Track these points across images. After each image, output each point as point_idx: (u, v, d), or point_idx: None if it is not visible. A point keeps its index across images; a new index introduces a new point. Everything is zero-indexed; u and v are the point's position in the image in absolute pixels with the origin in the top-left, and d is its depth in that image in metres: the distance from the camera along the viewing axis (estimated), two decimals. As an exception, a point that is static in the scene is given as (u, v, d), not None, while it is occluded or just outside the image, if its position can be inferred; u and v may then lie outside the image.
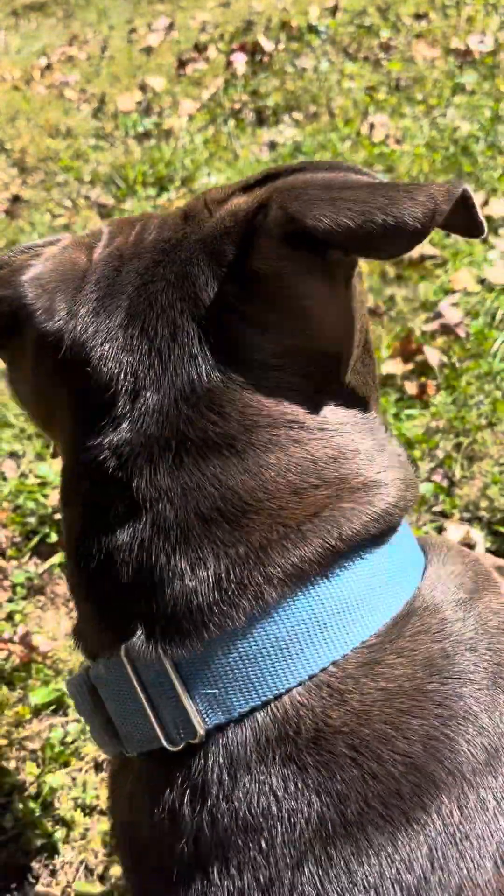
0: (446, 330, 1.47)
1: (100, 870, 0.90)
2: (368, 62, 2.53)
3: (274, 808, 0.39)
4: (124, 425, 0.45)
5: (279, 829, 0.39)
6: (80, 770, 0.99)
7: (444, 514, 1.22)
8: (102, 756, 0.99)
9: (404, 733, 0.40)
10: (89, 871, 0.90)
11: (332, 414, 0.47)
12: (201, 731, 0.41)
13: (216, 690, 0.41)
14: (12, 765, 0.99)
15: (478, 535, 1.15)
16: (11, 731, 1.03)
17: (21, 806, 0.95)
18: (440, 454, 1.30)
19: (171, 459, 0.44)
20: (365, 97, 2.35)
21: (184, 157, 2.36)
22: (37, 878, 0.89)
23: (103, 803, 0.94)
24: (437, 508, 1.23)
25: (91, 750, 1.00)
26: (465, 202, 0.43)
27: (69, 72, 3.00)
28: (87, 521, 0.46)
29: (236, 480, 0.43)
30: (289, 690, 0.41)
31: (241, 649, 0.41)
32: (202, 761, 0.41)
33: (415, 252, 1.76)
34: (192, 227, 0.50)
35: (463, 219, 0.44)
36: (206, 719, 0.41)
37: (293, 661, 0.41)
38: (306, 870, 0.38)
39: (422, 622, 0.44)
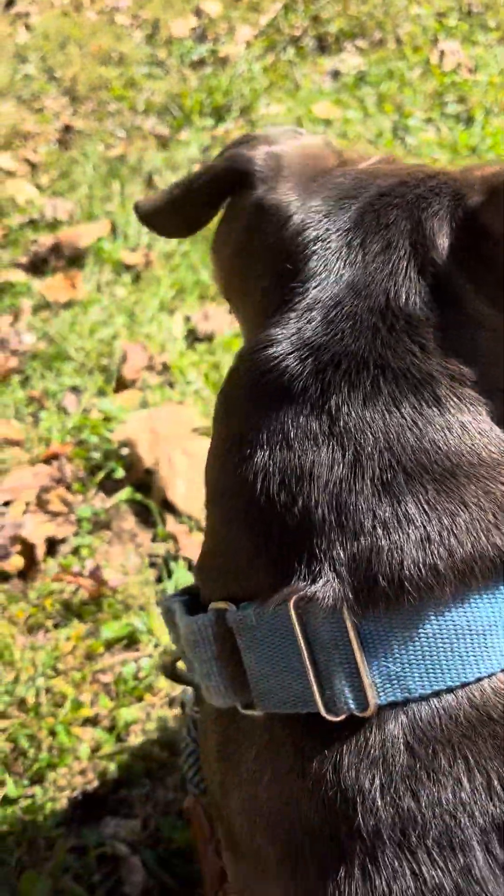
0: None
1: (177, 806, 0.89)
2: (437, -14, 2.39)
3: (483, 793, 0.35)
4: (317, 325, 0.42)
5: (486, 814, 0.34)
6: (154, 706, 0.97)
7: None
8: (177, 690, 0.98)
9: None
10: (167, 804, 0.89)
11: None
12: (373, 707, 0.37)
13: (399, 667, 0.37)
14: (86, 697, 0.98)
15: None
16: (84, 663, 1.02)
17: (97, 737, 0.94)
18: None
19: (369, 384, 0.40)
20: (434, 23, 2.23)
21: (242, 86, 2.27)
22: (114, 812, 0.89)
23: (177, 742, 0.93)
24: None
25: (165, 685, 0.99)
26: None
27: (119, -4, 2.88)
28: (260, 430, 0.41)
29: (441, 435, 0.39)
30: (490, 676, 0.37)
31: (440, 626, 0.37)
32: (379, 735, 0.37)
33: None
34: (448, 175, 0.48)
35: None
36: (381, 694, 0.37)
37: (493, 649, 0.37)
38: None
39: None
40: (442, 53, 2.12)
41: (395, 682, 0.37)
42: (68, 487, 1.25)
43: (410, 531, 0.37)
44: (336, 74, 2.23)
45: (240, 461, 0.42)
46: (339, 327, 0.42)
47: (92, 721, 0.96)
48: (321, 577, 0.37)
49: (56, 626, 1.07)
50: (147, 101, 2.33)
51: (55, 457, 1.29)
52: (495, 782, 0.35)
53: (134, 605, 1.07)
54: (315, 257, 0.45)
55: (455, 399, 0.40)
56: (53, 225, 1.89)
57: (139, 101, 2.34)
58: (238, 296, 0.53)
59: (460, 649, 0.36)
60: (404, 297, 0.42)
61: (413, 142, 1.85)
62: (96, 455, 1.28)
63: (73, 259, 1.75)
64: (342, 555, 0.38)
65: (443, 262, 0.43)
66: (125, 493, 1.22)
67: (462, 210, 0.43)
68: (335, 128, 2.01)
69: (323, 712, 0.37)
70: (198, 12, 2.64)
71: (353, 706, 0.37)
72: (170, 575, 1.10)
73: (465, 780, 0.35)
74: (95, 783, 0.91)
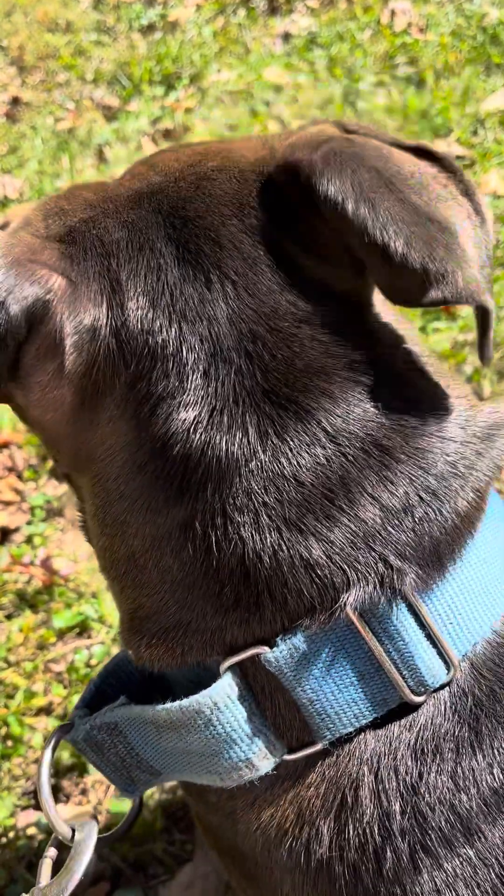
0: (474, 237, 1.40)
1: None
2: None
3: None
4: (201, 383, 0.41)
5: None
6: (107, 691, 0.99)
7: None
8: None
9: None
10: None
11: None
12: (457, 663, 0.39)
13: (454, 621, 0.39)
14: (39, 686, 0.99)
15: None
16: (37, 653, 1.03)
17: (50, 726, 0.96)
18: (468, 369, 1.25)
19: (325, 385, 0.41)
20: (385, -19, 2.18)
21: (192, 52, 2.22)
22: (68, 797, 0.91)
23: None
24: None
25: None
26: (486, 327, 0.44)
27: (66, -41, 2.79)
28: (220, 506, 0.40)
29: (394, 409, 0.41)
30: None
31: (468, 577, 0.40)
32: (464, 686, 0.39)
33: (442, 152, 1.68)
34: (195, 170, 0.46)
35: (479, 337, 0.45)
36: (455, 651, 0.39)
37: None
38: None
39: None
40: (392, 13, 2.08)
41: (457, 635, 0.39)
42: (20, 476, 1.25)
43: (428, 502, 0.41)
44: (287, 37, 2.19)
45: (225, 525, 0.40)
46: (224, 373, 0.41)
47: (45, 710, 0.98)
48: (365, 576, 0.38)
49: (9, 616, 1.08)
50: (96, 69, 2.28)
51: (6, 445, 1.29)
52: None
53: (86, 592, 1.08)
54: (165, 327, 0.42)
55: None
56: (3, 203, 1.86)
57: (88, 70, 2.29)
58: (88, 445, 0.45)
59: (487, 592, 0.41)
60: (294, 300, 0.42)
61: (364, 106, 1.83)
62: (47, 442, 1.28)
63: (23, 239, 1.72)
64: (379, 546, 0.39)
65: (287, 248, 0.43)
66: (76, 479, 1.22)
67: (269, 198, 0.43)
68: (285, 94, 1.97)
69: (411, 697, 0.38)
70: (146, -26, 2.56)
71: (443, 674, 0.39)
72: (121, 561, 1.11)
73: None
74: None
